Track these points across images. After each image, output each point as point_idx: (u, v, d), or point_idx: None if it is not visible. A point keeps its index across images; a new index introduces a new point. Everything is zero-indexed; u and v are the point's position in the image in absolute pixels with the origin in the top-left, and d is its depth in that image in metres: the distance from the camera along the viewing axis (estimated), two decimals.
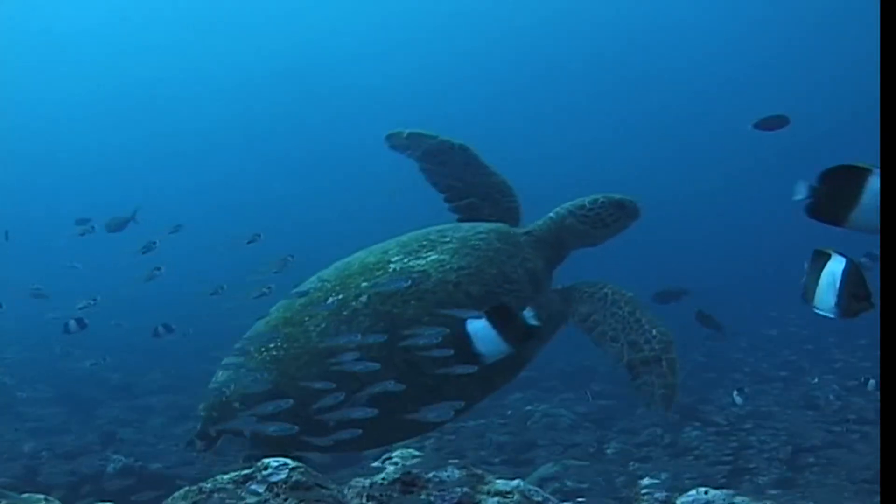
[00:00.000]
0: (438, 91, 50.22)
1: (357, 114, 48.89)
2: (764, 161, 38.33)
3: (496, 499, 3.10)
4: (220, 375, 6.14)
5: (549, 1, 44.32)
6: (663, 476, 9.25)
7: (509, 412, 12.40)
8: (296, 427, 5.19)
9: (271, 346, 5.89)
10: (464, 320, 4.42)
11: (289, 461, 3.05)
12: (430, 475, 3.16)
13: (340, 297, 5.84)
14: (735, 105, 42.88)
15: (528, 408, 12.38)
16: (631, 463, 9.92)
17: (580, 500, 3.32)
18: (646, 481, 3.43)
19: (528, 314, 4.41)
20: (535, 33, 46.00)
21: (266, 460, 3.09)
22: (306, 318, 5.88)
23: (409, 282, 5.64)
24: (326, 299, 5.86)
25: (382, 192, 41.35)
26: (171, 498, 2.95)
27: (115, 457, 9.91)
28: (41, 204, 39.57)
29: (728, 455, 9.88)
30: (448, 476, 3.19)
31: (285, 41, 48.68)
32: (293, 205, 43.64)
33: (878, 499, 7.31)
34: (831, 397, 12.32)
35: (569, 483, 9.06)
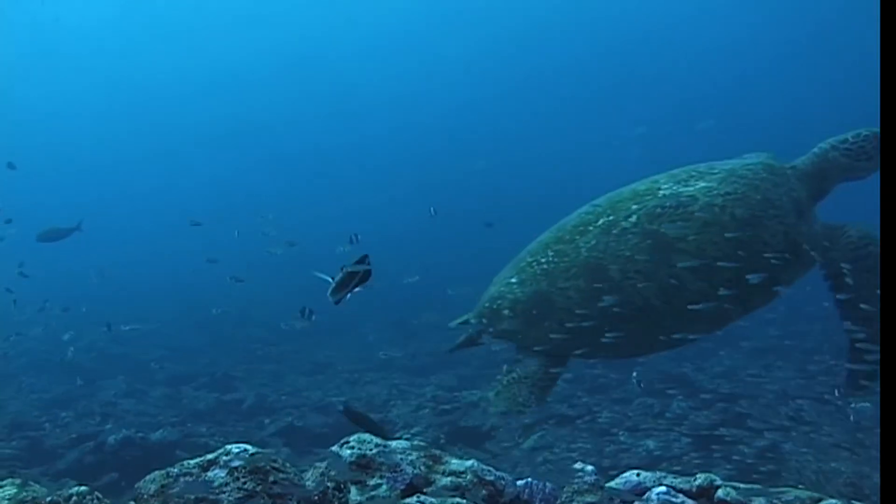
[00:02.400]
0: (439, 90, 50.10)
1: (357, 111, 48.87)
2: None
3: (449, 478, 3.26)
4: (493, 288, 6.79)
5: (552, 0, 44.05)
6: (650, 445, 9.48)
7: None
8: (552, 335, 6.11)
9: (542, 260, 6.47)
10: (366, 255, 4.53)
11: (249, 447, 3.24)
12: (384, 458, 3.32)
13: (611, 217, 6.29)
14: (735, 106, 42.98)
15: None
16: (620, 432, 10.04)
17: (532, 479, 3.44)
18: (578, 465, 3.54)
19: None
20: (536, 33, 45.64)
21: (228, 446, 3.28)
22: (577, 237, 6.38)
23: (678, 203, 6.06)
24: (597, 220, 6.33)
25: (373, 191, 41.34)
26: (143, 480, 3.13)
27: (115, 428, 10.13)
28: (35, 200, 39.45)
29: (715, 426, 9.99)
30: (402, 458, 3.36)
31: (285, 39, 48.29)
32: (292, 201, 43.63)
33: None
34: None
35: (558, 452, 9.24)
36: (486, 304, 6.66)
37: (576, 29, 44.47)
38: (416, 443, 3.56)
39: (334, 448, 3.43)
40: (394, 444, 3.48)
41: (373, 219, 33.27)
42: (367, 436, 3.44)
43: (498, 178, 38.96)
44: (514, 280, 6.54)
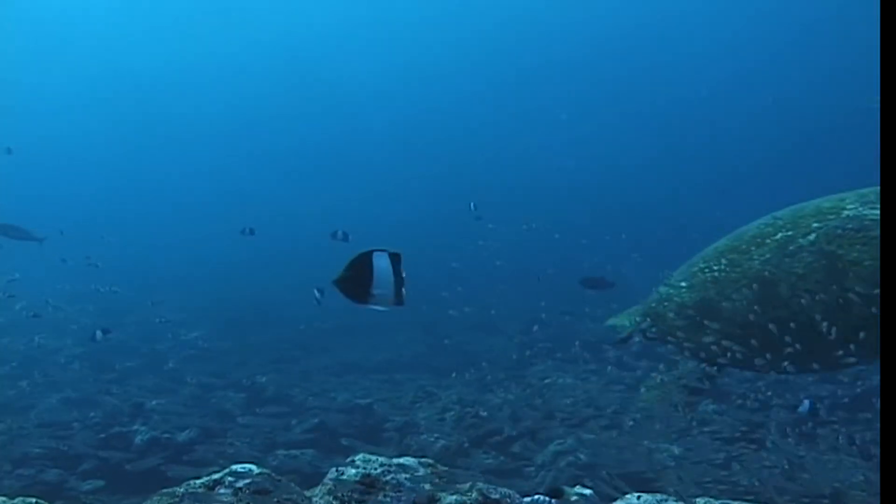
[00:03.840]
0: (432, 85, 50.14)
1: (350, 107, 48.94)
2: (758, 159, 38.32)
3: (454, 496, 3.29)
4: (662, 289, 6.98)
5: None
6: (675, 450, 9.43)
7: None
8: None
9: (714, 267, 6.60)
10: (372, 251, 3.91)
11: (254, 468, 3.28)
12: (389, 477, 3.35)
13: (790, 233, 6.33)
14: (727, 104, 42.75)
15: (547, 380, 12.50)
16: (645, 437, 9.99)
17: (538, 496, 3.45)
18: (576, 488, 3.54)
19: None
20: (529, 28, 45.55)
21: (233, 466, 3.32)
22: (752, 248, 6.46)
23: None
24: (776, 234, 6.37)
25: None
26: (149, 500, 3.18)
27: (143, 428, 10.25)
28: (30, 193, 39.58)
29: (741, 430, 9.91)
30: (407, 476, 3.38)
31: (279, 33, 48.43)
32: (282, 195, 43.71)
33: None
34: None
35: (582, 457, 9.21)
36: (653, 305, 6.81)
37: (568, 25, 44.34)
38: (423, 460, 3.59)
39: (341, 466, 3.46)
40: (400, 461, 3.51)
41: (363, 213, 33.28)
42: (372, 455, 3.47)
43: (487, 175, 39.02)
44: (683, 284, 6.65)
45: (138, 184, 47.41)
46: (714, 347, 6.25)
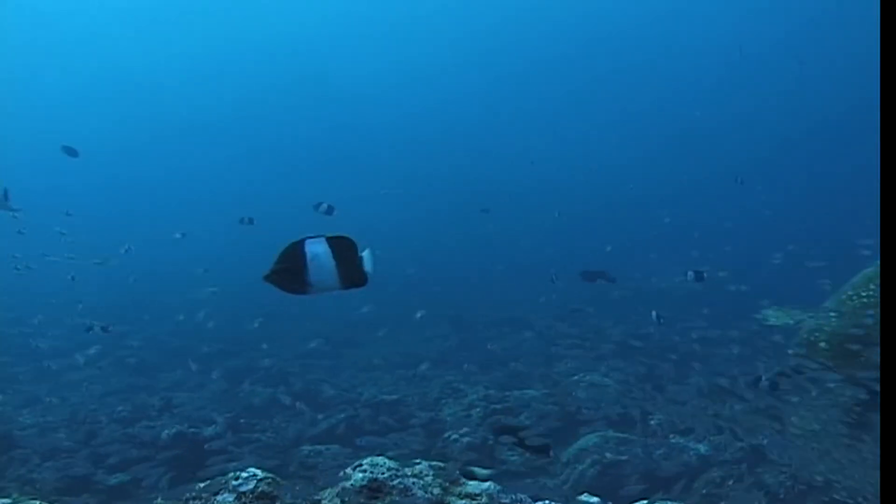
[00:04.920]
0: (431, 83, 49.91)
1: (351, 104, 48.79)
2: (757, 157, 37.91)
3: (465, 501, 3.25)
4: (808, 321, 7.08)
5: None
6: (702, 450, 9.34)
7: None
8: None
9: (863, 293, 6.67)
10: (303, 240, 3.66)
11: (258, 473, 3.25)
12: (397, 481, 3.32)
13: None
14: (726, 102, 42.34)
15: (574, 377, 12.43)
16: (672, 435, 9.91)
17: (548, 502, 3.40)
18: (584, 497, 3.50)
19: (367, 258, 3.67)
20: (530, 27, 45.25)
21: (239, 472, 3.29)
22: None
23: None
24: None
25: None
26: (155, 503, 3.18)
27: (170, 423, 10.30)
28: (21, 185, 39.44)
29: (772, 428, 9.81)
30: (415, 481, 3.35)
31: (274, 32, 48.29)
32: (284, 192, 43.64)
33: None
34: None
35: (608, 455, 9.15)
36: (805, 335, 6.77)
37: (564, 22, 44.02)
38: (433, 463, 3.55)
39: (348, 470, 3.44)
40: (409, 465, 3.48)
41: (368, 211, 33.30)
42: (379, 459, 3.44)
43: (479, 172, 38.89)
44: (833, 313, 6.61)
45: (141, 181, 47.76)
46: (866, 375, 6.19)
